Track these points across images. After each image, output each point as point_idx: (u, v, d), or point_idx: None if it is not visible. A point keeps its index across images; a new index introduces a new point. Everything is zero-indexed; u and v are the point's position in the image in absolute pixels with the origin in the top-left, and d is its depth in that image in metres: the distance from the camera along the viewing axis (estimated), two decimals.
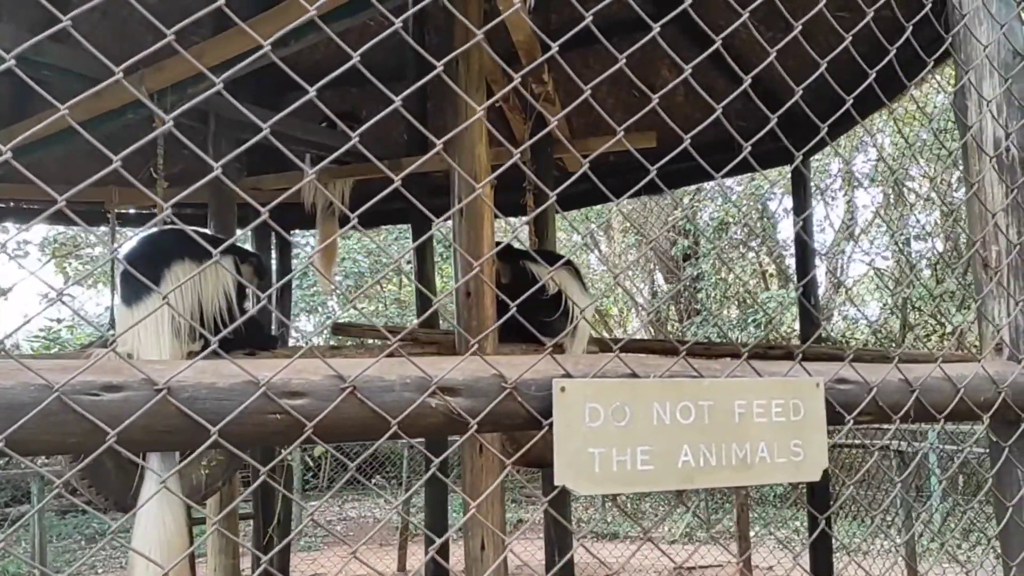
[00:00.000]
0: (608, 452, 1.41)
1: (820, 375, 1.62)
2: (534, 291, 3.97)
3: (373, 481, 11.26)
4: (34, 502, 8.64)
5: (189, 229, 1.84)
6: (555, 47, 1.47)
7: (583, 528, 9.97)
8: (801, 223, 6.19)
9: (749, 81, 1.64)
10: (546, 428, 1.41)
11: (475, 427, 1.36)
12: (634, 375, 1.47)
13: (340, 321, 4.32)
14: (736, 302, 13.27)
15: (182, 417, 1.18)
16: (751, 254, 13.98)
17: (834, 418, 1.64)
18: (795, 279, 10.20)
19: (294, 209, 5.41)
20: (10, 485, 10.32)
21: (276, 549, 1.57)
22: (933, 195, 11.04)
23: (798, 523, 9.55)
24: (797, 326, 9.03)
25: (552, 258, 4.56)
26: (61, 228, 12.49)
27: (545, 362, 1.44)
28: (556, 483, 1.38)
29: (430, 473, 1.59)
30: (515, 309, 1.48)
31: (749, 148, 1.59)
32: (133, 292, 2.85)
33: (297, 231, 9.79)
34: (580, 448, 1.40)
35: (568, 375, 1.43)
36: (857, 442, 7.09)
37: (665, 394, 1.47)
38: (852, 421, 1.64)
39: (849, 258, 12.92)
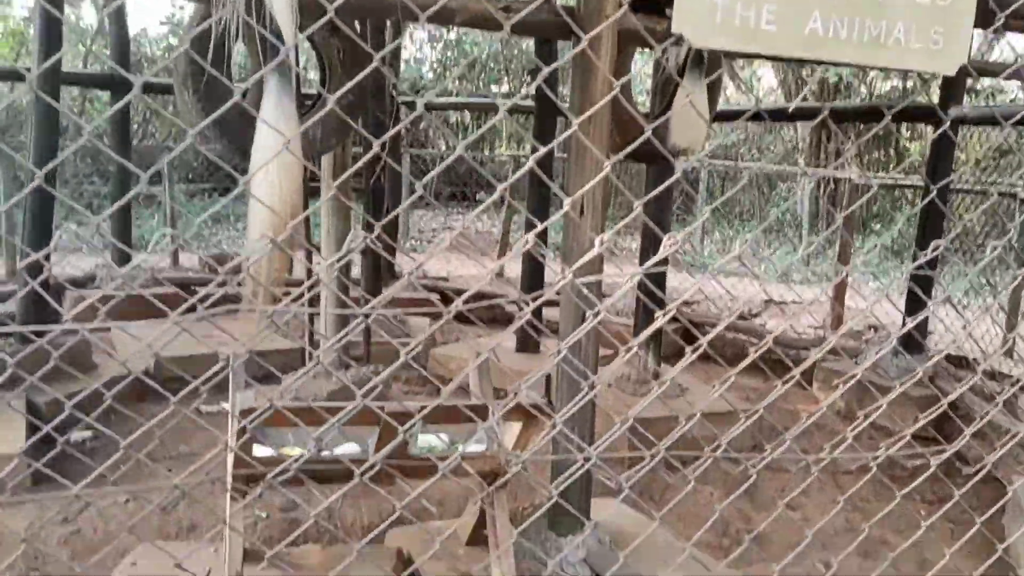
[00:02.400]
0: (732, 5, 1.33)
1: None
2: None
3: (478, 196, 11.58)
4: (165, 181, 9.28)
5: None
6: None
7: (683, 258, 10.12)
8: None
9: None
10: None
11: None
12: None
13: None
14: None
15: None
16: None
17: (985, 19, 1.50)
18: None
19: None
20: (142, 167, 11.05)
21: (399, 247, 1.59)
22: None
23: (899, 274, 9.44)
24: None
25: None
26: None
27: None
28: (673, 31, 1.33)
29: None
30: None
31: None
32: None
33: None
34: None
35: None
36: (978, 188, 6.74)
37: None
38: (1004, 19, 1.50)
39: None
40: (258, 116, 3.06)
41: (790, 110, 5.96)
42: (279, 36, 2.88)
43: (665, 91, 3.90)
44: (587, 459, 1.32)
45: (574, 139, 3.28)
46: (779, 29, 1.35)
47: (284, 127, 2.86)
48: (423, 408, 1.84)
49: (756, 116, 6.94)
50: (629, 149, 1.74)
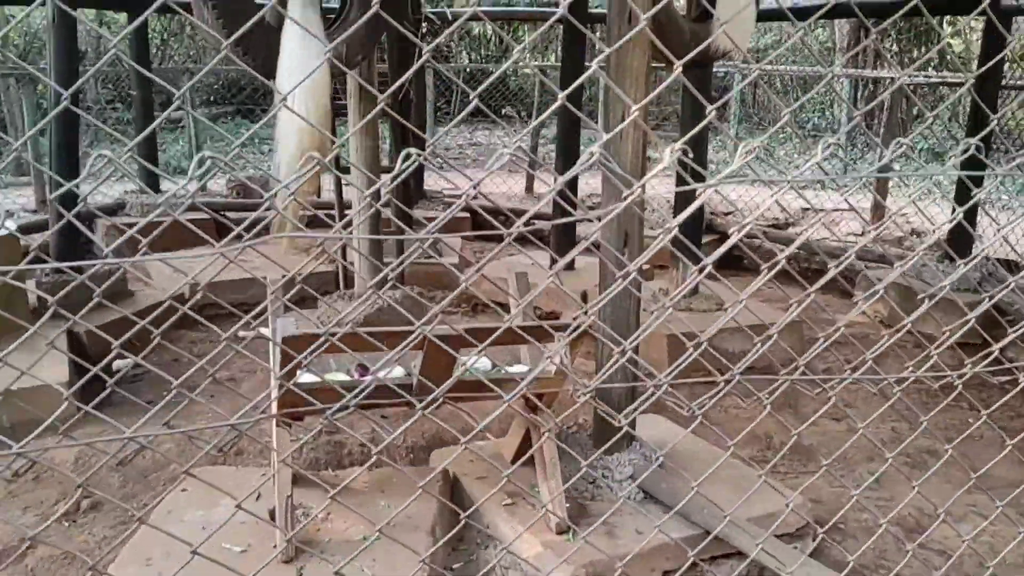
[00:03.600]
0: None
1: None
2: None
3: (503, 111, 11.34)
4: (187, 104, 9.17)
5: None
6: None
7: (714, 168, 9.89)
8: None
9: None
10: None
11: None
12: None
13: None
14: None
15: None
16: None
17: None
18: None
19: None
20: (163, 93, 10.91)
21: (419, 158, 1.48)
22: None
23: (941, 177, 9.15)
24: None
25: None
26: None
27: None
28: None
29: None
30: None
31: None
32: None
33: None
34: None
35: None
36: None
37: None
38: None
39: None
40: (284, 33, 2.94)
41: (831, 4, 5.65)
42: None
43: None
44: (658, 387, 1.25)
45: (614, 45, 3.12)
46: None
47: (311, 43, 2.74)
48: (482, 331, 1.78)
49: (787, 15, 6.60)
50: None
